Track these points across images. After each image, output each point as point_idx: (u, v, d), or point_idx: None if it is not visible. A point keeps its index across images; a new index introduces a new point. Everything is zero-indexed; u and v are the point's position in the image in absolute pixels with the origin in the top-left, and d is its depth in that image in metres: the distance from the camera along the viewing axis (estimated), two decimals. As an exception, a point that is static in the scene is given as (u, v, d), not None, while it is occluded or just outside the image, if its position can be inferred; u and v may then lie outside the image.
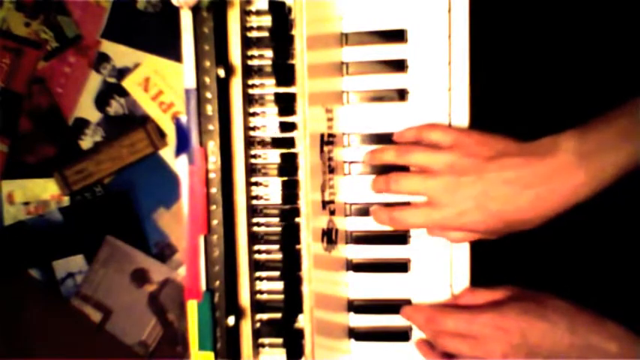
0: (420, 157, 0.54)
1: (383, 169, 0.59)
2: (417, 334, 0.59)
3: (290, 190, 0.52)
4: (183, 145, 0.49)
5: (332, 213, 0.55)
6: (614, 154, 0.47)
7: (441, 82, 0.57)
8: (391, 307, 0.59)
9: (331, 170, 0.55)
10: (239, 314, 0.50)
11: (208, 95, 0.48)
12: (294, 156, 0.51)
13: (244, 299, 0.51)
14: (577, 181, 0.48)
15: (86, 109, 0.78)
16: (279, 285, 0.52)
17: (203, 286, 0.49)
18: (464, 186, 0.51)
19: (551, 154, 0.49)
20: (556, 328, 0.50)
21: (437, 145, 0.54)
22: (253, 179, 0.53)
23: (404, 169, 0.58)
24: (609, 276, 0.65)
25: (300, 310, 0.50)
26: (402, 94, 0.58)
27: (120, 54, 0.77)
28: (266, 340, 0.53)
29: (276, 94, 0.52)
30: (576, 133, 0.49)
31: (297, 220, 0.51)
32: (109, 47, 0.77)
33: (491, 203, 0.51)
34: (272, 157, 0.53)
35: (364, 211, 0.59)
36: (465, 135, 0.53)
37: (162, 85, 0.76)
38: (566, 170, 0.48)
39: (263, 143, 0.53)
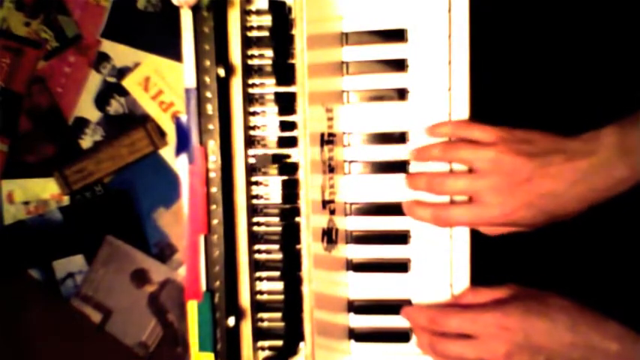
0: (466, 153, 0.54)
1: (385, 169, 0.59)
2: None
3: (290, 190, 0.52)
4: (183, 145, 0.49)
5: (332, 212, 0.55)
6: None
7: (441, 82, 0.57)
8: (391, 307, 0.59)
9: (331, 170, 0.55)
10: (239, 315, 0.50)
11: (208, 95, 0.48)
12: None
13: (244, 300, 0.51)
14: (619, 175, 0.49)
15: (86, 108, 0.78)
16: (280, 285, 0.52)
17: (203, 287, 0.49)
18: (512, 186, 0.51)
19: (593, 151, 0.50)
20: (557, 326, 0.50)
21: (478, 143, 0.54)
22: (253, 178, 0.53)
23: (400, 168, 0.58)
24: (610, 275, 0.65)
25: (301, 311, 0.50)
26: (402, 94, 0.58)
27: (120, 53, 0.77)
28: (266, 343, 0.53)
29: (277, 94, 0.52)
30: (617, 129, 0.50)
31: (297, 219, 0.51)
32: (109, 47, 0.77)
33: (539, 200, 0.51)
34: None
35: (364, 211, 0.59)
36: (507, 132, 0.53)
37: (163, 84, 0.76)
38: (609, 165, 0.49)
39: (263, 143, 0.53)
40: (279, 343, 0.52)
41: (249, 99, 0.52)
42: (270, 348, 0.53)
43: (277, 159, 0.52)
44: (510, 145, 0.52)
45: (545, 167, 0.51)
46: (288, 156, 0.53)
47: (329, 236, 0.55)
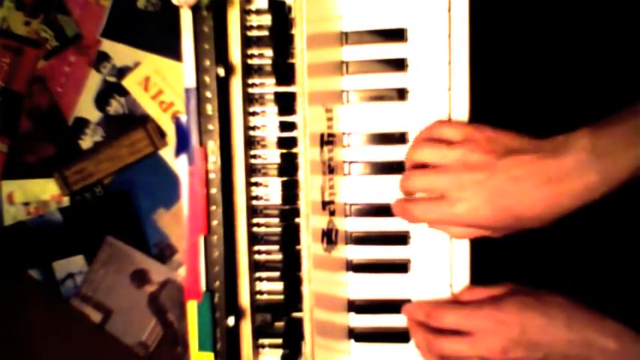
0: (428, 153, 0.54)
1: (385, 169, 0.59)
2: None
3: (290, 191, 0.52)
4: (183, 145, 0.49)
5: (332, 213, 0.55)
6: (628, 152, 0.46)
7: (441, 82, 0.57)
8: (391, 307, 0.59)
9: (331, 170, 0.55)
10: (239, 315, 0.50)
11: (208, 94, 0.48)
12: (294, 156, 0.51)
13: (244, 300, 0.51)
14: (590, 180, 0.47)
15: (86, 108, 0.78)
16: (280, 285, 0.52)
17: (203, 287, 0.49)
18: (475, 182, 0.50)
19: (564, 153, 0.48)
20: (554, 323, 0.50)
21: (449, 142, 0.54)
22: (253, 179, 0.53)
23: (400, 169, 0.58)
24: (609, 275, 0.65)
25: (300, 311, 0.50)
26: (401, 94, 0.58)
27: (120, 53, 0.77)
28: (266, 341, 0.53)
29: (276, 94, 0.52)
30: (589, 132, 0.48)
31: (297, 220, 0.51)
32: (109, 46, 0.77)
33: (502, 200, 0.50)
34: (272, 157, 0.53)
35: (364, 212, 0.59)
36: (477, 131, 0.53)
37: (163, 84, 0.76)
38: (579, 169, 0.47)
39: (263, 143, 0.53)
40: (279, 341, 0.52)
41: (249, 99, 0.52)
42: (271, 346, 0.53)
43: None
44: (478, 144, 0.51)
45: (511, 167, 0.50)
46: (289, 156, 0.53)
47: (329, 237, 0.54)
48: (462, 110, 0.57)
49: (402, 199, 0.56)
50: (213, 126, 0.48)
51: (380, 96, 0.59)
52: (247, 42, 0.52)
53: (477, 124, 0.53)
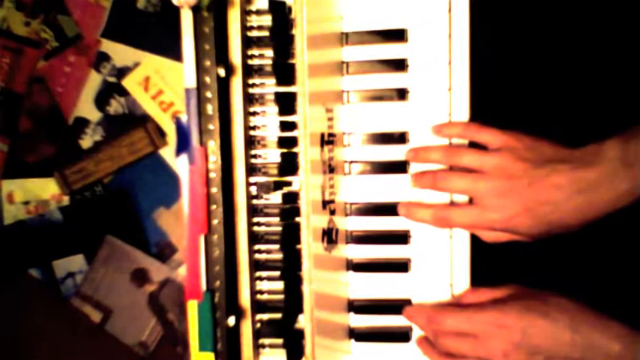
0: (470, 158, 0.54)
1: (385, 169, 0.59)
2: (417, 335, 0.59)
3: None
4: (183, 145, 0.49)
5: (332, 212, 0.55)
6: None
7: (441, 82, 0.57)
8: (391, 307, 0.59)
9: (331, 170, 0.55)
10: (239, 314, 0.50)
11: (208, 95, 0.48)
12: (294, 155, 0.51)
13: (245, 299, 0.51)
14: (620, 188, 0.49)
15: (86, 108, 0.78)
16: (280, 285, 0.52)
17: (203, 286, 0.49)
18: (514, 190, 0.52)
19: (596, 163, 0.49)
20: (557, 325, 0.50)
21: (484, 146, 0.55)
22: (253, 179, 0.53)
23: (400, 168, 0.58)
24: (611, 276, 0.65)
25: (301, 310, 0.50)
26: (402, 94, 0.58)
27: (120, 53, 0.77)
28: (266, 341, 0.53)
29: (277, 94, 0.52)
30: (620, 142, 0.49)
31: (297, 219, 0.51)
32: (109, 46, 0.77)
33: (540, 208, 0.51)
34: (272, 156, 0.53)
35: (364, 211, 0.59)
36: (515, 139, 0.53)
37: (163, 84, 0.76)
38: (611, 178, 0.49)
39: (263, 143, 0.53)
40: (279, 341, 0.52)
41: (249, 99, 0.52)
42: (271, 346, 0.53)
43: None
44: (517, 152, 0.53)
45: (549, 176, 0.51)
46: (289, 156, 0.53)
47: (329, 236, 0.55)
48: (462, 110, 0.57)
49: (432, 206, 0.56)
50: (214, 126, 0.48)
51: (380, 96, 0.59)
52: (248, 42, 0.52)
53: (515, 132, 0.54)
